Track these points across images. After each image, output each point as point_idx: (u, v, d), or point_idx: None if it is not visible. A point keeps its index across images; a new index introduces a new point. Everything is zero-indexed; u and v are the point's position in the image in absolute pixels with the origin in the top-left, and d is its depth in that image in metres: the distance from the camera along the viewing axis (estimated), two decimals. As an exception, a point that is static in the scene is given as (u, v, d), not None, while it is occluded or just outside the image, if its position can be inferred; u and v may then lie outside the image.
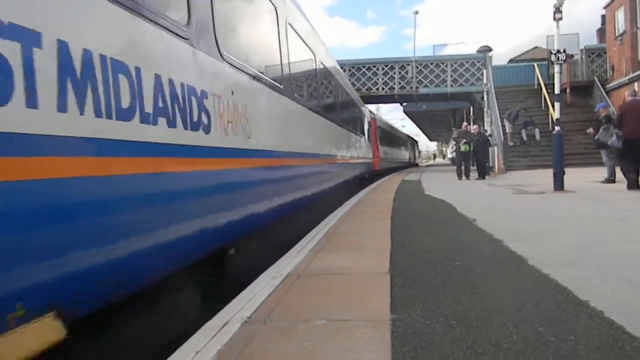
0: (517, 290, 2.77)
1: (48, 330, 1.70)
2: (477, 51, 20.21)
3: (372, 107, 24.08)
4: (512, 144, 20.02)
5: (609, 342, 1.98)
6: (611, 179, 10.64)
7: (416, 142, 60.99)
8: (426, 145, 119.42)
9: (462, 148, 15.66)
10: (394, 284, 3.00)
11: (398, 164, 31.61)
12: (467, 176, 15.64)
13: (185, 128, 2.83)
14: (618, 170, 10.07)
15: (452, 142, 17.81)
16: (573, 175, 11.49)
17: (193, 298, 3.17)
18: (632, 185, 8.98)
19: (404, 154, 38.09)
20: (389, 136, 28.04)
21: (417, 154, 59.02)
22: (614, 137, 9.19)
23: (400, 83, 24.42)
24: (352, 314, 2.49)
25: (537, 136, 19.84)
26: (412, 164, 43.62)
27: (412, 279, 3.12)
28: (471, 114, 28.41)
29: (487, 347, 1.99)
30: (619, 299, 2.55)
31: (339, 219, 6.61)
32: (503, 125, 20.03)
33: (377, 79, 24.61)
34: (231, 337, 2.21)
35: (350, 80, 23.62)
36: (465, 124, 18.68)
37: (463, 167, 15.83)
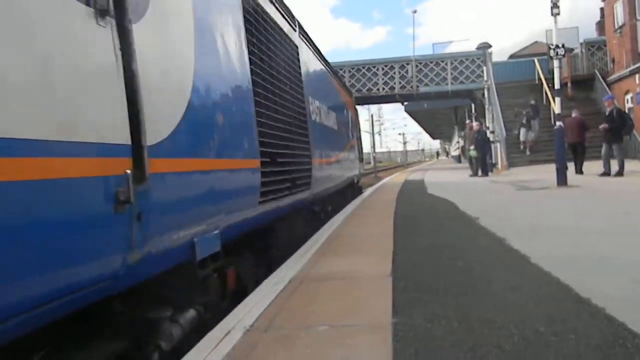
0: (519, 290, 2.76)
1: None
2: (477, 48, 20.07)
3: (373, 108, 23.42)
4: (529, 153, 18.78)
5: (610, 340, 1.98)
6: (620, 172, 10.83)
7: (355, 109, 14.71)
8: (429, 143, 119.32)
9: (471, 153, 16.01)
10: (396, 287, 3.00)
11: None
12: (477, 173, 15.52)
13: None
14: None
15: (455, 140, 17.78)
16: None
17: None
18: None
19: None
20: None
21: (354, 147, 11.89)
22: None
23: (400, 83, 24.34)
24: (354, 319, 2.50)
25: (537, 127, 18.93)
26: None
27: (414, 281, 3.12)
28: (473, 111, 28.28)
29: (488, 348, 1.99)
30: (620, 295, 2.55)
31: (342, 221, 6.62)
32: (505, 123, 19.69)
33: (377, 80, 24.54)
34: (233, 347, 2.22)
35: (350, 81, 23.60)
36: (467, 121, 18.57)
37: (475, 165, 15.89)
